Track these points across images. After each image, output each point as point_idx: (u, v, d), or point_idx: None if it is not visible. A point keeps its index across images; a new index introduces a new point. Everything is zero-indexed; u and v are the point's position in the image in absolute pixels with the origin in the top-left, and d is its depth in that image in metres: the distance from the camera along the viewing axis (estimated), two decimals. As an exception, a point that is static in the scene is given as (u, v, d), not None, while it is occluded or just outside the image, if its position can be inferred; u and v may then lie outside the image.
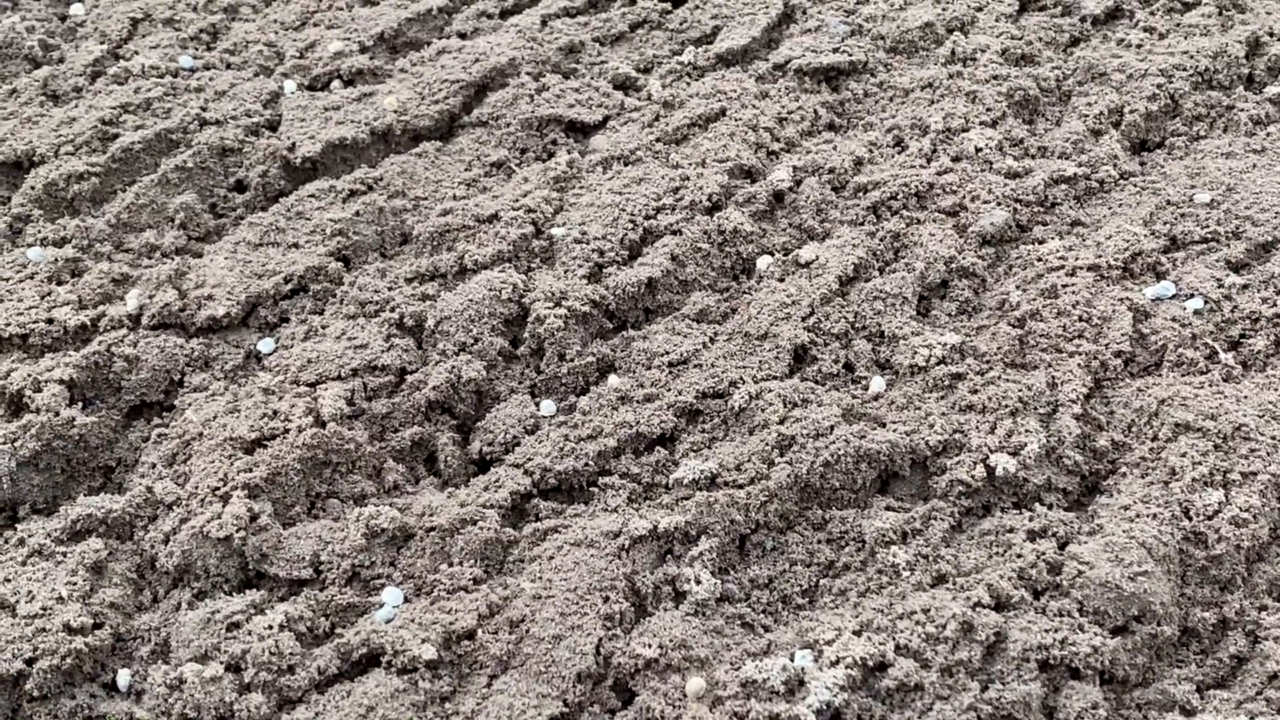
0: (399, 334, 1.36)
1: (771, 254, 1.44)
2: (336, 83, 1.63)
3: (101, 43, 1.69)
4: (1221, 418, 1.21)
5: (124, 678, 1.12)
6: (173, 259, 1.45)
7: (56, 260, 1.42)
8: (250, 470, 1.21)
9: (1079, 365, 1.27)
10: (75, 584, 1.15)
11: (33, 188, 1.49)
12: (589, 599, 1.12)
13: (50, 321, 1.36)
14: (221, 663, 1.09)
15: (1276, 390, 1.25)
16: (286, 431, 1.24)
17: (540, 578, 1.14)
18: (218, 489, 1.20)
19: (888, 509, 1.21)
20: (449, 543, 1.18)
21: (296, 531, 1.19)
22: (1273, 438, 1.20)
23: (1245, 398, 1.24)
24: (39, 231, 1.47)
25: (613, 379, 1.32)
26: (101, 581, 1.17)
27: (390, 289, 1.40)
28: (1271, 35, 1.65)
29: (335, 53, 1.64)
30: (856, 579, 1.16)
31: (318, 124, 1.55)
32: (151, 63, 1.63)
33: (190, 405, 1.30)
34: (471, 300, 1.35)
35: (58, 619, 1.12)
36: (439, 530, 1.18)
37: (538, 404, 1.32)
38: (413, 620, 1.11)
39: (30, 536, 1.20)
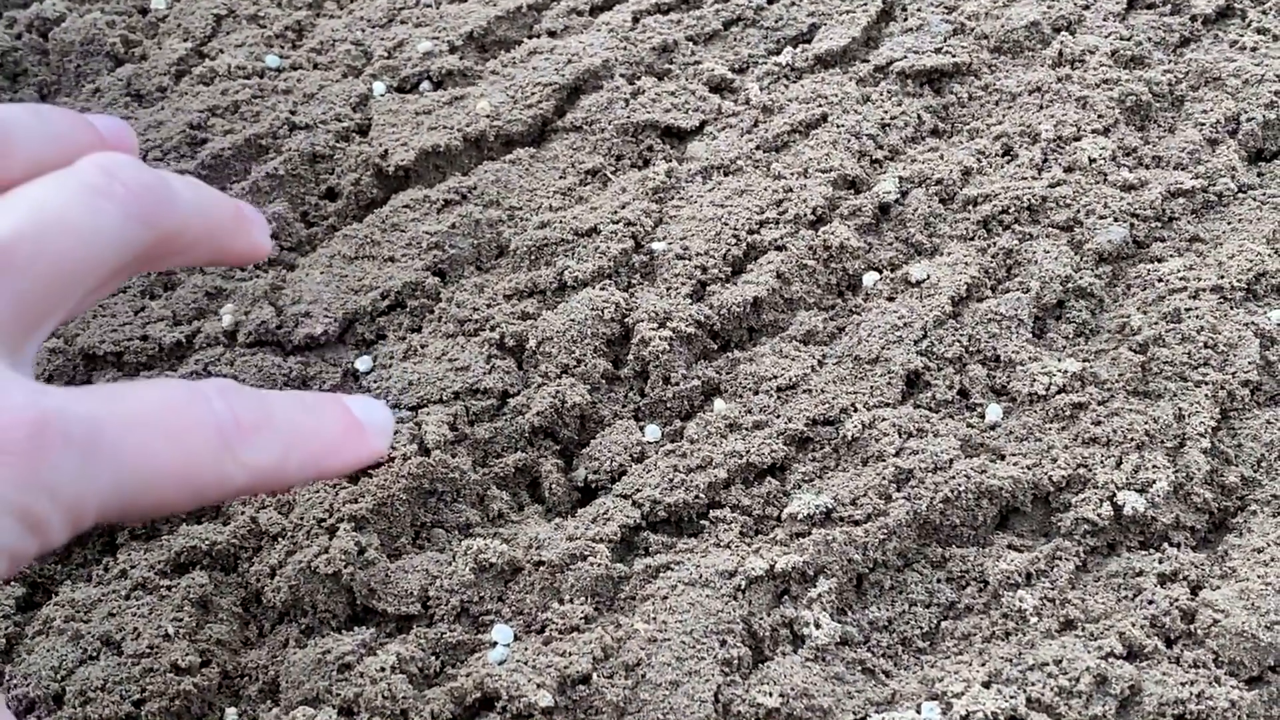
0: (500, 354, 1.33)
1: (878, 270, 1.40)
2: (426, 84, 1.59)
3: (185, 40, 1.66)
4: (1358, 455, 1.17)
5: (231, 717, 1.10)
6: (266, 272, 1.42)
7: (149, 274, 1.40)
8: (356, 501, 1.18)
9: (1206, 395, 1.23)
10: (181, 620, 1.13)
11: (122, 196, 1.46)
12: (705, 642, 1.10)
13: (145, 339, 1.34)
14: (334, 706, 1.07)
15: None
16: (392, 460, 1.22)
17: (655, 619, 1.12)
18: (323, 520, 1.17)
19: (1009, 547, 1.17)
20: (559, 578, 1.15)
21: (403, 565, 1.17)
22: None
23: (1382, 433, 1.19)
24: (130, 242, 1.44)
25: (719, 404, 1.29)
26: (208, 617, 1.15)
27: (489, 306, 1.37)
28: (1392, 36, 1.59)
29: (424, 53, 1.60)
30: (980, 622, 1.12)
31: (409, 129, 1.52)
32: (237, 62, 1.59)
33: (290, 429, 1.28)
34: (574, 320, 1.32)
35: (165, 658, 1.10)
36: (548, 565, 1.16)
37: (642, 429, 1.28)
38: (526, 663, 1.08)
39: (133, 568, 1.18)
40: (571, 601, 1.14)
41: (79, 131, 0.97)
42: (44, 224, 0.76)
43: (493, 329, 1.34)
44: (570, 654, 1.09)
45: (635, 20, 1.68)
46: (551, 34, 1.68)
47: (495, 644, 1.11)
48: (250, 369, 1.32)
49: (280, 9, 1.71)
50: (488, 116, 1.53)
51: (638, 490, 1.22)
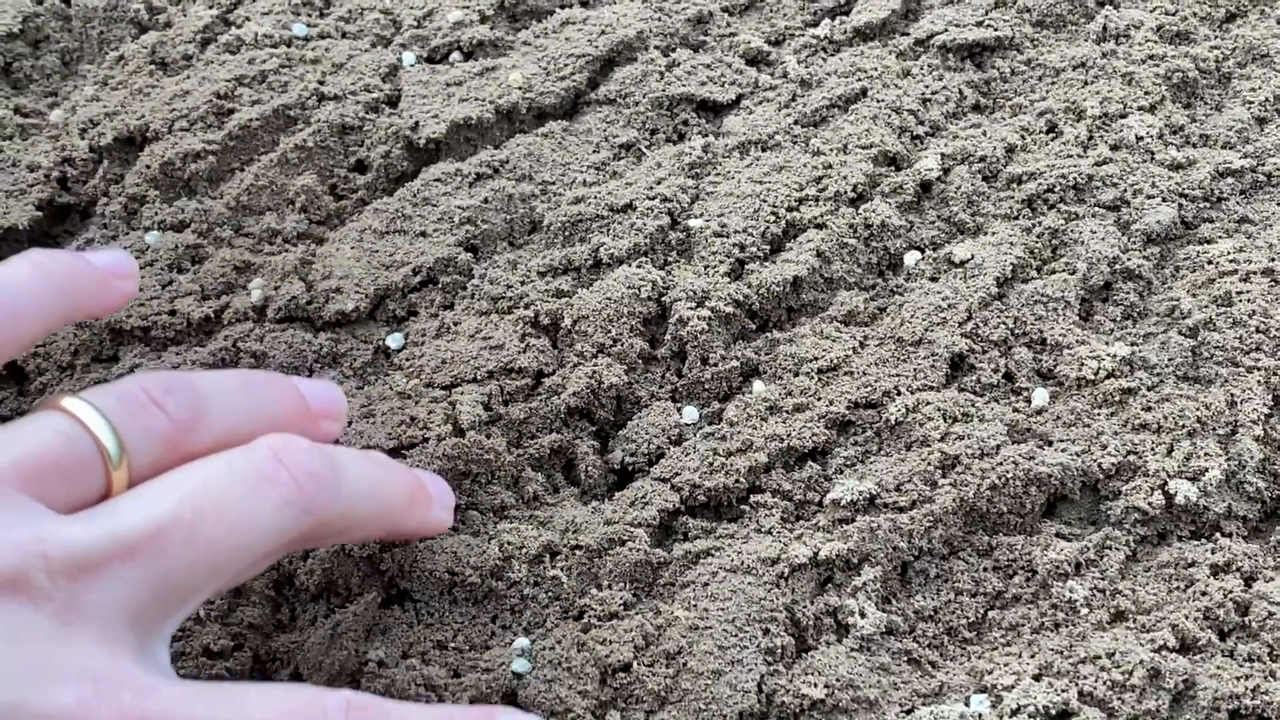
0: (534, 333, 1.30)
1: (920, 249, 1.37)
2: (456, 54, 1.56)
3: (210, 7, 1.63)
4: None
5: (264, 701, 1.08)
6: (295, 246, 1.39)
7: (176, 247, 1.37)
8: (389, 482, 1.16)
9: (1258, 381, 1.20)
10: (213, 603, 1.11)
11: (148, 166, 1.44)
12: (748, 631, 1.07)
13: (173, 313, 1.31)
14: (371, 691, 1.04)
15: None
16: (426, 440, 1.19)
17: (696, 606, 1.09)
18: (356, 502, 1.15)
19: (1058, 536, 1.15)
20: (596, 564, 1.13)
21: (433, 546, 1.14)
22: None
23: None
24: (155, 214, 1.41)
25: (758, 386, 1.26)
26: (239, 600, 1.12)
27: (522, 283, 1.34)
28: None
29: (455, 22, 1.57)
30: (1029, 613, 1.10)
31: (440, 101, 1.49)
32: (264, 31, 1.56)
33: (321, 407, 1.25)
34: (610, 298, 1.29)
35: (197, 641, 1.08)
36: (585, 550, 1.13)
37: (680, 410, 1.26)
38: (558, 663, 1.06)
39: (163, 548, 1.15)
40: (610, 588, 1.12)
41: (283, 403, 0.96)
42: (202, 509, 0.77)
43: (527, 307, 1.32)
44: (610, 642, 1.07)
45: (669, -10, 1.65)
46: (584, 4, 1.64)
47: (519, 652, 1.08)
48: (280, 345, 1.29)
49: (307, -24, 1.68)
50: (519, 88, 1.50)
51: (676, 474, 1.19)
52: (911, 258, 1.36)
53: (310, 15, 1.63)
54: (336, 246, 1.38)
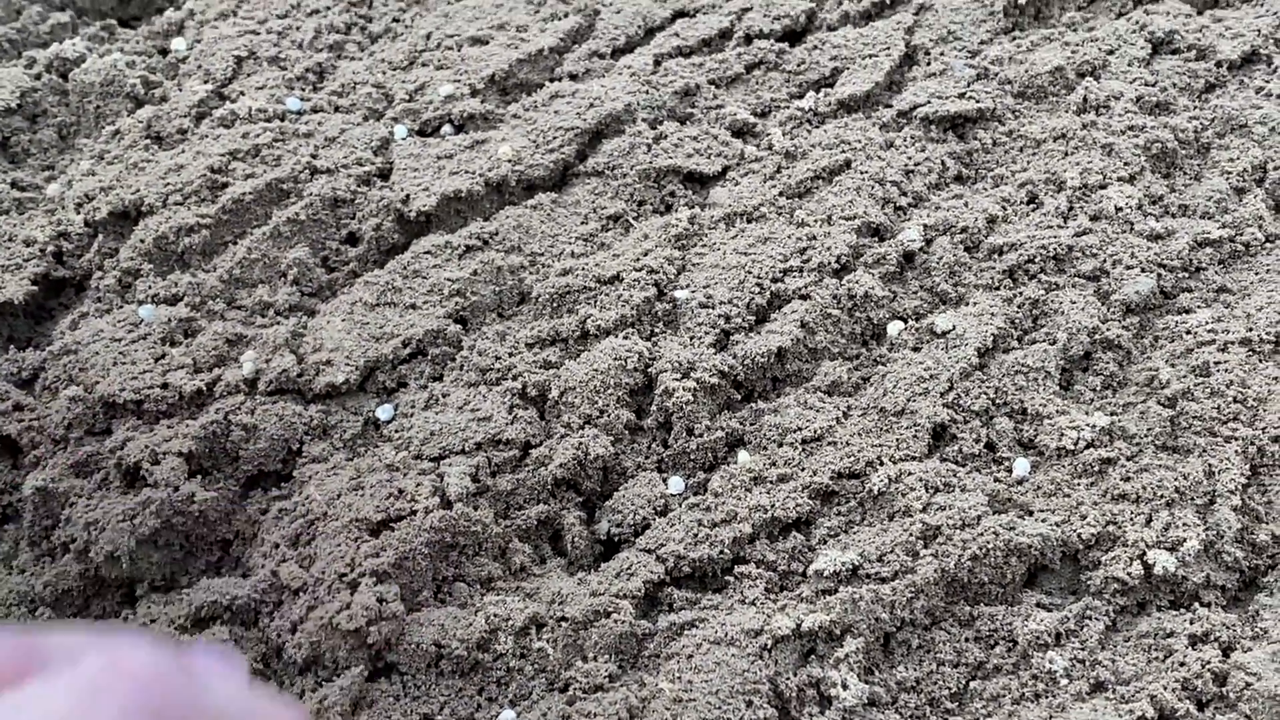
0: (522, 404, 1.32)
1: (903, 319, 1.38)
2: (447, 127, 1.58)
3: (205, 81, 1.66)
4: (1392, 515, 1.15)
5: (252, 775, 1.09)
6: (287, 318, 1.41)
7: (169, 320, 1.39)
8: (377, 555, 1.17)
9: (1236, 451, 1.22)
10: (202, 676, 1.12)
11: (142, 240, 1.46)
12: (732, 703, 1.08)
13: (165, 387, 1.33)
14: (355, 767, 1.06)
15: None
16: (414, 513, 1.21)
17: (680, 678, 1.10)
18: (344, 575, 1.16)
19: (1038, 605, 1.16)
20: (582, 635, 1.14)
21: (420, 619, 1.15)
22: None
23: None
24: (150, 287, 1.43)
25: (743, 456, 1.28)
26: (228, 674, 1.13)
27: (511, 354, 1.36)
28: None
29: (446, 96, 1.59)
30: (1010, 683, 1.11)
31: (431, 174, 1.51)
32: (259, 105, 1.59)
33: (311, 480, 1.27)
34: (596, 370, 1.31)
35: (186, 715, 1.09)
36: (571, 622, 1.14)
37: (665, 481, 1.27)
38: (550, 723, 1.07)
39: (153, 622, 1.17)
40: (596, 660, 1.13)
41: None
42: None
43: (515, 378, 1.33)
44: (595, 715, 1.08)
45: (657, 63, 1.68)
46: (573, 77, 1.67)
47: (503, 712, 1.09)
48: (271, 418, 1.31)
49: (301, 51, 1.71)
50: (509, 161, 1.52)
51: (661, 545, 1.21)
52: (895, 328, 1.38)
53: (304, 89, 1.66)
54: (327, 319, 1.40)
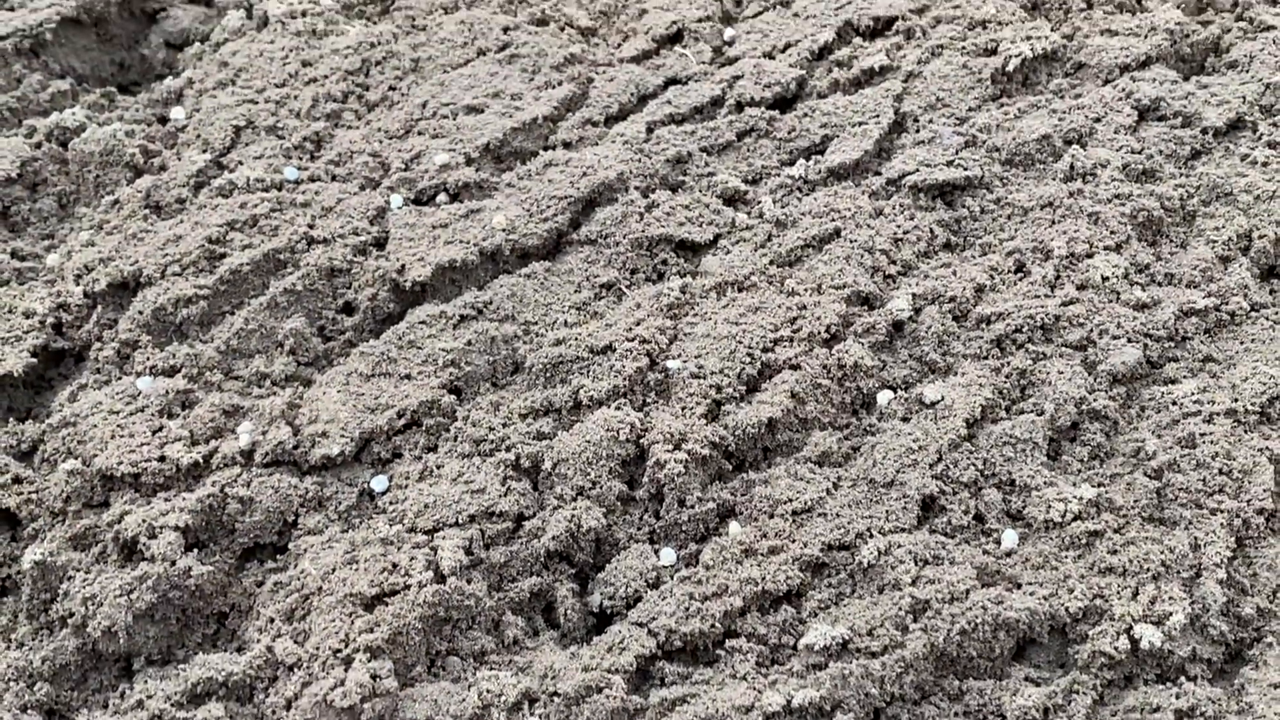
0: (515, 476, 1.33)
1: (893, 389, 1.40)
2: (443, 195, 1.61)
3: (204, 151, 1.68)
4: (1376, 588, 1.17)
5: None
6: (283, 388, 1.43)
7: (167, 392, 1.40)
8: (371, 630, 1.18)
9: (1221, 524, 1.23)
10: (196, 755, 1.13)
11: (141, 312, 1.48)
12: (722, 780, 1.09)
13: (162, 459, 1.34)
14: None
15: None
16: (408, 587, 1.22)
17: (671, 754, 1.12)
18: (339, 650, 1.17)
19: (1026, 679, 1.17)
20: (575, 711, 1.15)
21: (413, 694, 1.16)
22: None
23: (1398, 564, 1.19)
24: (148, 359, 1.45)
25: (734, 528, 1.29)
26: (222, 750, 1.15)
27: (504, 425, 1.37)
28: (1402, 149, 1.60)
29: (441, 165, 1.62)
30: (998, 759, 1.12)
31: (426, 243, 1.53)
32: (256, 175, 1.61)
33: (306, 553, 1.28)
34: (589, 441, 1.33)
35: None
36: (564, 697, 1.15)
37: (657, 552, 1.29)
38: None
39: (150, 698, 1.18)
40: (587, 734, 1.14)
41: None
42: None
43: (508, 449, 1.35)
44: (586, 792, 1.09)
45: (649, 131, 1.70)
46: (567, 145, 1.69)
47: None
48: (267, 490, 1.32)
49: (299, 120, 1.73)
50: (504, 230, 1.54)
51: (653, 619, 1.22)
52: (884, 397, 1.39)
53: (301, 158, 1.68)
54: (323, 390, 1.41)
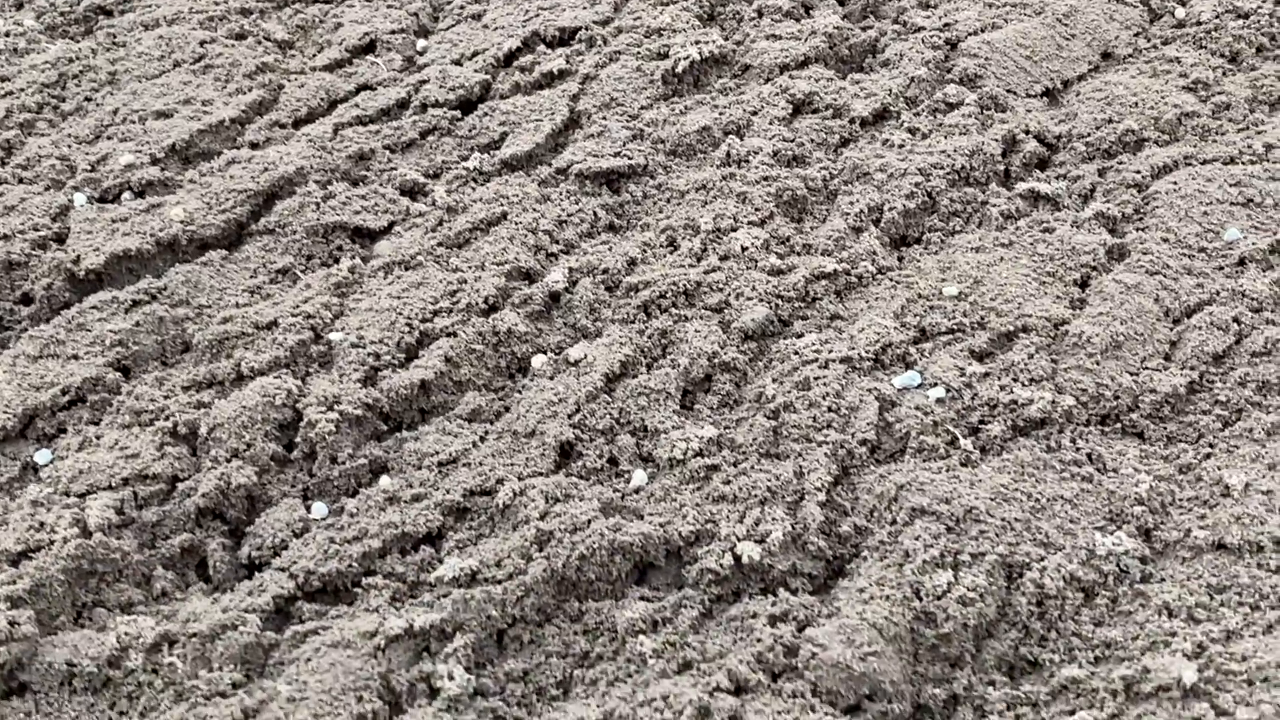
0: (172, 442, 1.38)
1: (545, 353, 1.49)
2: (127, 194, 1.66)
3: (-108, 157, 1.70)
4: (955, 501, 1.28)
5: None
6: (-50, 373, 1.46)
7: None
8: (14, 583, 1.22)
9: (826, 454, 1.34)
10: None
11: None
12: (343, 699, 1.15)
13: None
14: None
15: (1010, 474, 1.32)
16: (52, 543, 1.26)
17: (296, 680, 1.17)
18: (-22, 603, 1.21)
19: (642, 599, 1.26)
20: (209, 648, 1.20)
21: (55, 640, 1.20)
22: (1002, 520, 1.27)
23: (979, 481, 1.31)
24: None
25: (383, 480, 1.36)
26: None
27: (167, 398, 1.43)
28: (1028, 133, 1.75)
29: (126, 165, 1.67)
30: (607, 668, 1.20)
31: (104, 236, 1.58)
32: (-59, 178, 1.64)
33: (-41, 520, 1.32)
34: (244, 406, 1.39)
35: None
36: (200, 636, 1.20)
37: (309, 507, 1.35)
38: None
39: None
40: (221, 669, 1.19)
41: None
42: None
43: (167, 419, 1.40)
44: (210, 717, 1.14)
45: (335, 131, 1.78)
46: (254, 145, 1.76)
47: None
48: (-75, 465, 1.35)
49: (-11, 127, 1.78)
50: (182, 222, 1.60)
51: (294, 563, 1.28)
52: (538, 361, 1.48)
53: (-11, 163, 1.73)
54: (-11, 372, 1.45)
